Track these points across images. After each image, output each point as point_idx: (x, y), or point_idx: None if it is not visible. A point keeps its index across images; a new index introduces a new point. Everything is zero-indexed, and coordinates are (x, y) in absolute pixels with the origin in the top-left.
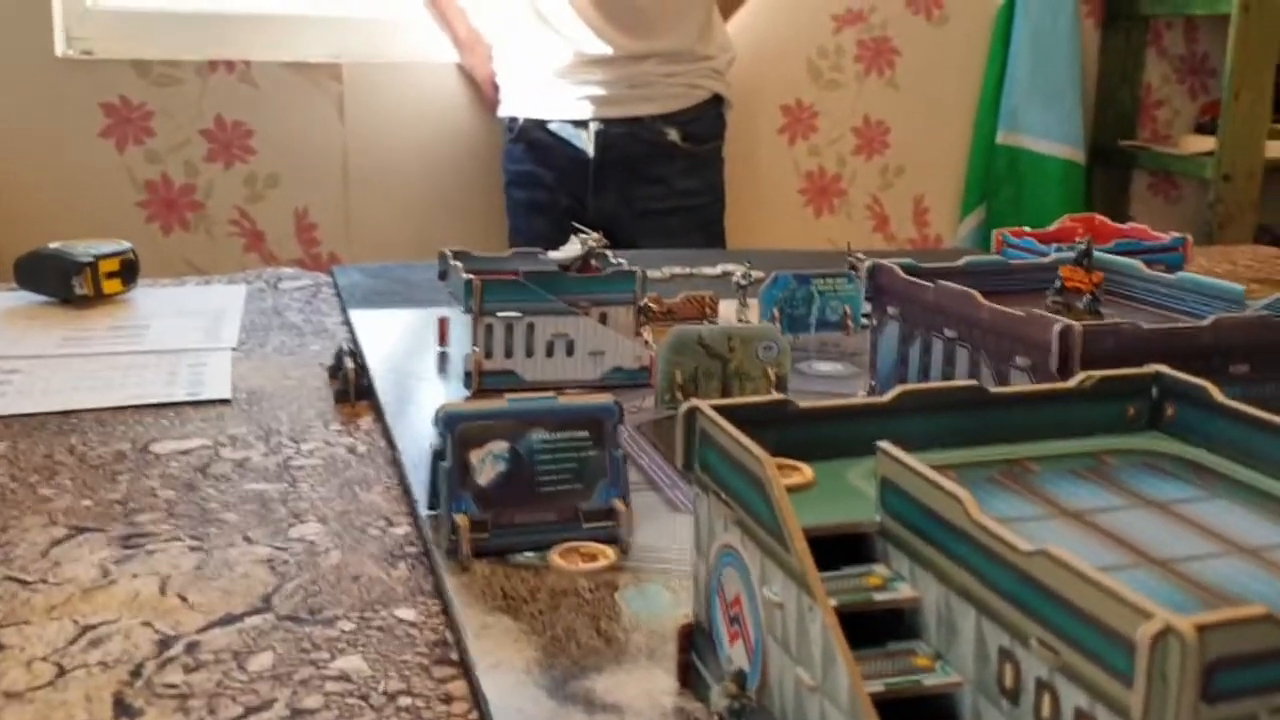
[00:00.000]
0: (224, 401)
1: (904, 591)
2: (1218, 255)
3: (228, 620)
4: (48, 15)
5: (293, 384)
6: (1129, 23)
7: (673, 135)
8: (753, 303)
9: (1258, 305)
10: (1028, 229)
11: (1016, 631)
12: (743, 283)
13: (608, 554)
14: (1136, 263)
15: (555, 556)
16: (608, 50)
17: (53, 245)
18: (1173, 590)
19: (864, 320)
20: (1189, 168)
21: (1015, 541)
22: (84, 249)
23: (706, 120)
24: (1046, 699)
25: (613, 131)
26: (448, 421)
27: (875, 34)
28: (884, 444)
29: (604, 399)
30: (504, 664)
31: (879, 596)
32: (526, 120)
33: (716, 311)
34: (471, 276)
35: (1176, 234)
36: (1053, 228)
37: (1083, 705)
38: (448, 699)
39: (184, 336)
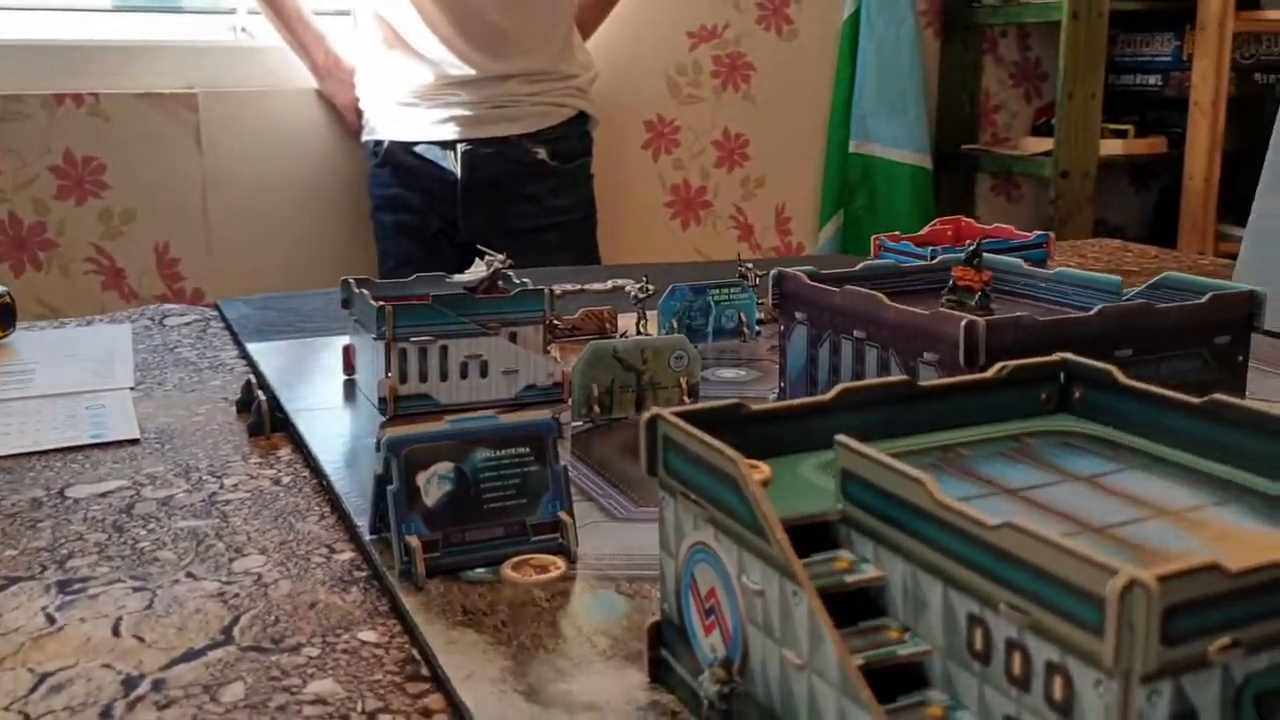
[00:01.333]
0: (133, 442)
1: (871, 572)
2: (1068, 250)
3: (190, 655)
4: None
5: (200, 419)
6: (966, 32)
7: (541, 154)
8: (651, 314)
9: (1131, 294)
10: (901, 234)
11: (985, 598)
12: (640, 296)
13: (558, 564)
14: (1018, 260)
15: (508, 570)
16: (470, 71)
17: None
18: (1116, 552)
19: (758, 327)
20: (1028, 168)
21: (981, 517)
22: None
23: (573, 138)
24: (1017, 656)
25: (480, 152)
26: (392, 446)
27: (730, 50)
28: (842, 437)
29: (542, 415)
30: (477, 674)
31: (849, 578)
32: (391, 143)
33: (616, 326)
34: (383, 303)
35: (1040, 232)
36: (924, 231)
37: (1054, 658)
38: (427, 712)
39: (76, 378)
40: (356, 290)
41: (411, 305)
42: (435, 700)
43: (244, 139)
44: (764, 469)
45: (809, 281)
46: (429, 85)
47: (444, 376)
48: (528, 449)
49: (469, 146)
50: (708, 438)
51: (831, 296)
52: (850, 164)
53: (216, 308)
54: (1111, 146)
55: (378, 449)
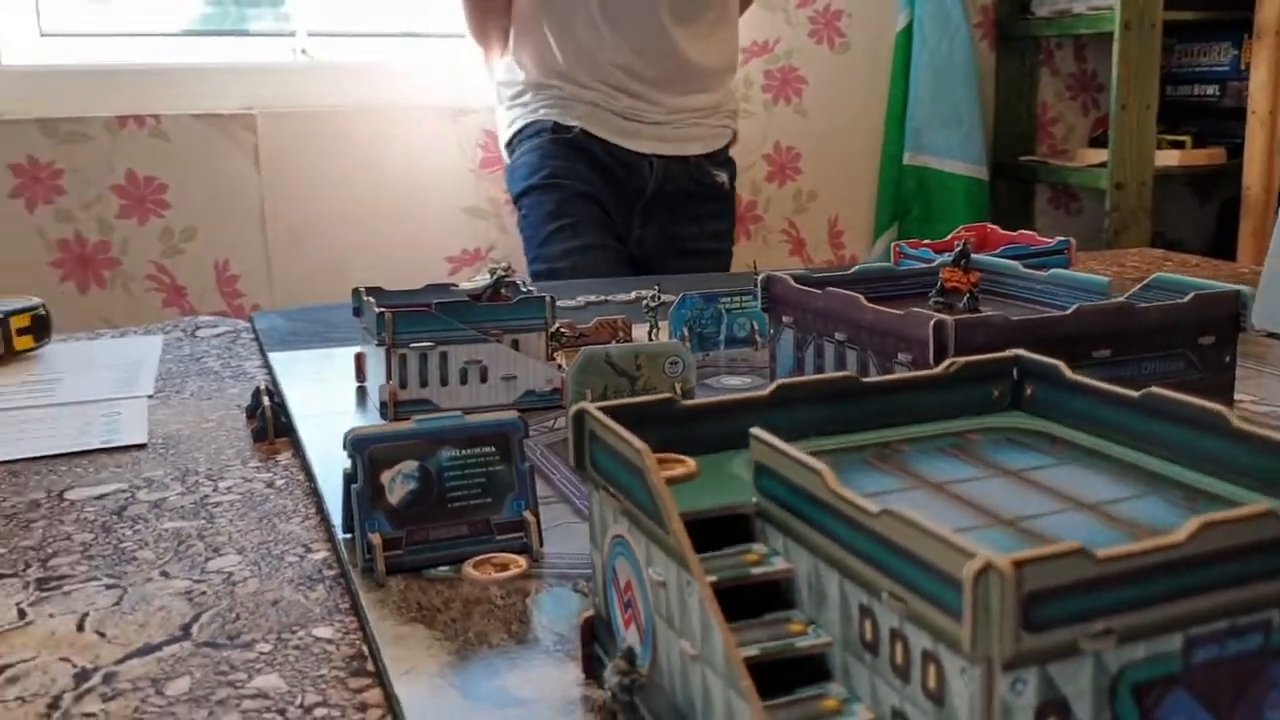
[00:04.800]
0: (139, 447)
1: (779, 565)
2: (1109, 259)
3: (146, 650)
4: None
5: (211, 426)
6: (1021, 44)
7: (722, 177)
8: (664, 324)
9: (1126, 295)
10: (926, 241)
11: (872, 587)
12: (652, 304)
13: (520, 563)
14: (1014, 264)
15: (469, 568)
16: (659, 96)
17: None
18: (1016, 542)
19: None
20: (1085, 179)
21: (865, 505)
22: None
23: (731, 161)
24: (899, 647)
25: (672, 168)
26: (357, 444)
27: (781, 64)
28: (755, 430)
29: (509, 415)
30: (416, 669)
31: (755, 571)
32: (584, 131)
33: (630, 335)
34: (383, 310)
35: (1061, 238)
36: (948, 238)
37: (928, 647)
38: (363, 707)
39: (98, 387)
40: (365, 298)
41: (412, 312)
42: (373, 695)
43: (301, 158)
44: (689, 463)
45: (795, 284)
46: (616, 96)
47: (444, 381)
48: (493, 448)
49: (662, 161)
50: (620, 429)
51: (815, 299)
52: (904, 176)
53: (250, 320)
54: (1168, 157)
55: (344, 447)
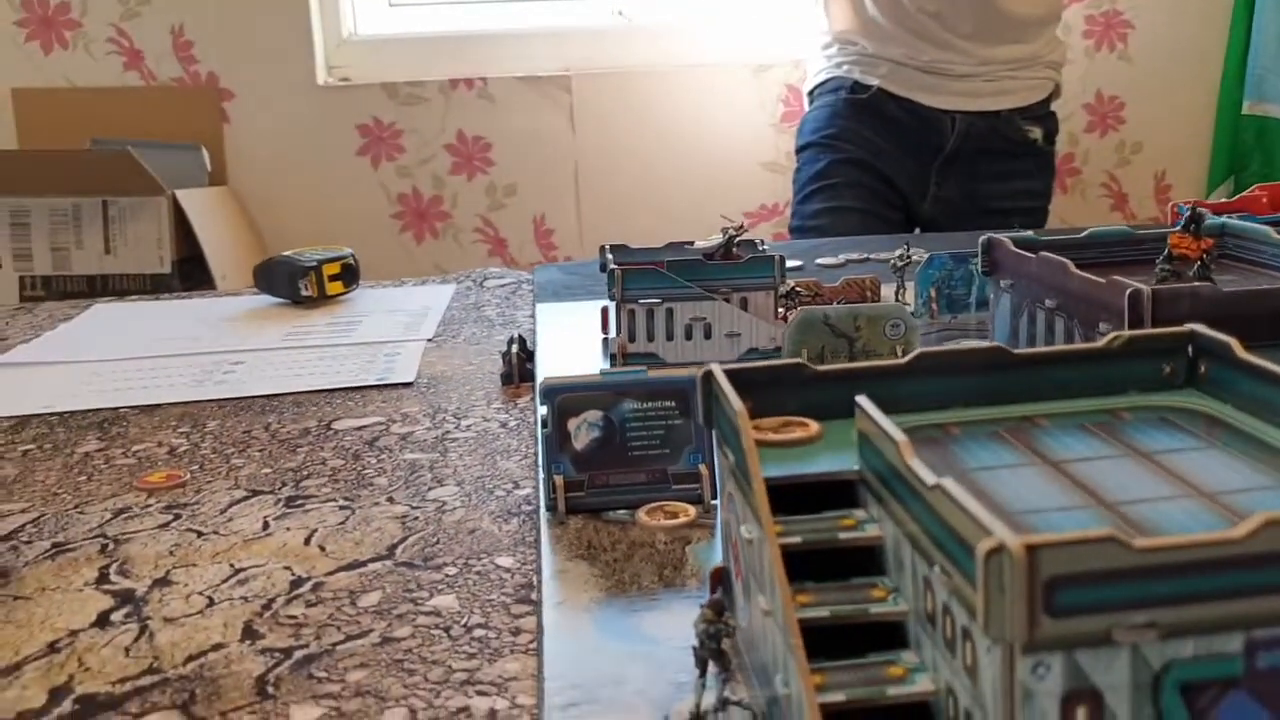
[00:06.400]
0: (407, 385)
1: (870, 532)
2: None
3: (354, 565)
4: (310, 48)
5: (471, 369)
6: None
7: (1035, 134)
8: (911, 284)
9: None
10: (1209, 200)
11: (929, 560)
12: (899, 264)
13: (690, 512)
14: (1267, 229)
15: (641, 514)
16: (971, 49)
17: (285, 253)
18: (1101, 525)
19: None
20: None
21: (926, 477)
22: (310, 255)
23: (1052, 116)
24: (948, 621)
25: (977, 124)
26: (547, 393)
27: (1105, 8)
28: (861, 398)
29: (690, 373)
30: (569, 601)
31: (844, 535)
32: (880, 90)
33: (879, 295)
34: (615, 266)
35: None
36: (1236, 198)
37: (965, 624)
38: (517, 631)
39: (389, 330)
40: (608, 255)
41: (642, 269)
42: (528, 621)
43: (613, 117)
44: (812, 427)
45: (1013, 248)
46: (923, 49)
47: (670, 337)
48: (673, 403)
49: (967, 117)
50: (728, 388)
51: (1029, 264)
52: (1243, 126)
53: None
54: None
55: (537, 395)
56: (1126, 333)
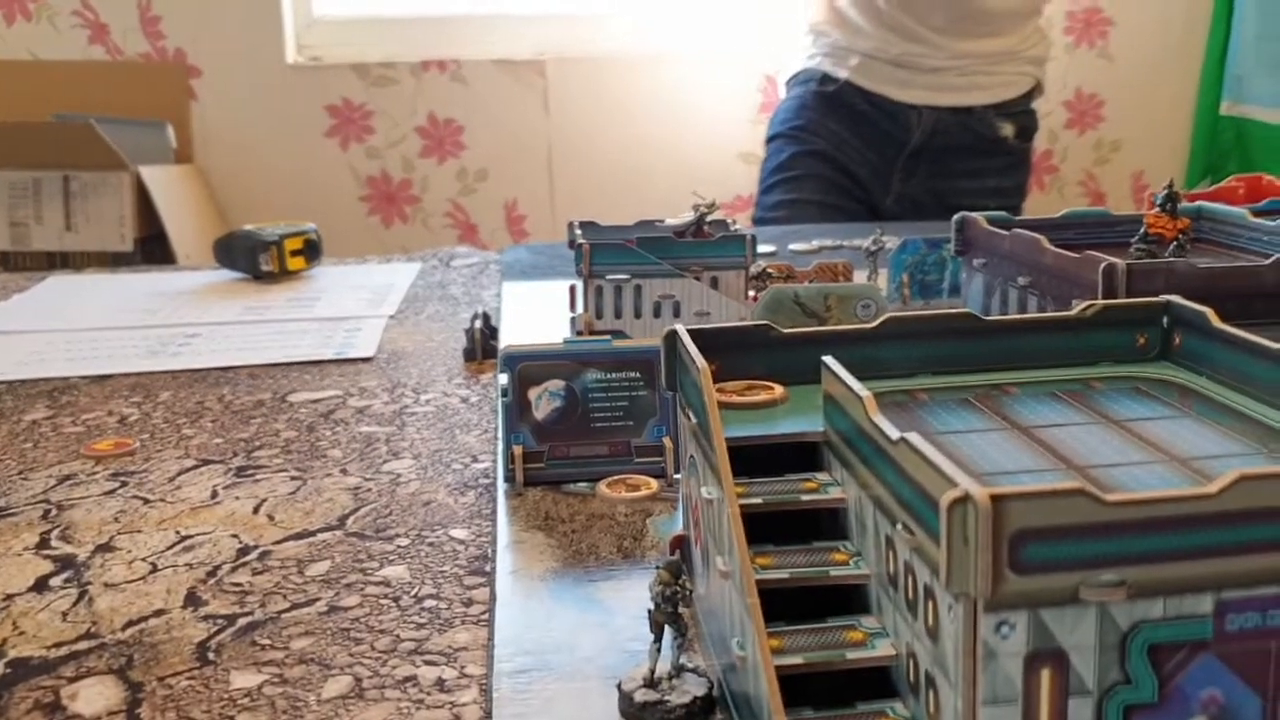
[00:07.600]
0: (366, 360)
1: (833, 494)
2: None
3: (302, 535)
4: (279, 27)
5: (434, 346)
6: None
7: (1007, 130)
8: (884, 270)
9: None
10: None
11: (892, 518)
12: (872, 249)
13: (652, 485)
14: (1242, 211)
15: (602, 486)
16: (942, 42)
17: (246, 227)
18: None
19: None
20: None
21: (889, 432)
22: (271, 230)
23: (1030, 112)
24: (910, 580)
25: (944, 119)
26: (508, 360)
27: (1085, 5)
28: (826, 358)
29: (656, 342)
30: (522, 571)
31: (806, 498)
32: (848, 84)
33: (850, 280)
34: (583, 242)
35: None
36: (1213, 188)
37: (927, 582)
38: (469, 602)
39: (350, 306)
40: (576, 231)
41: (610, 245)
42: (481, 593)
43: (588, 104)
44: (776, 390)
45: (986, 226)
46: (893, 42)
47: (638, 314)
48: (638, 374)
49: (935, 112)
50: (692, 350)
51: (1002, 241)
52: (1221, 127)
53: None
54: None
55: (497, 363)
56: (1100, 301)
